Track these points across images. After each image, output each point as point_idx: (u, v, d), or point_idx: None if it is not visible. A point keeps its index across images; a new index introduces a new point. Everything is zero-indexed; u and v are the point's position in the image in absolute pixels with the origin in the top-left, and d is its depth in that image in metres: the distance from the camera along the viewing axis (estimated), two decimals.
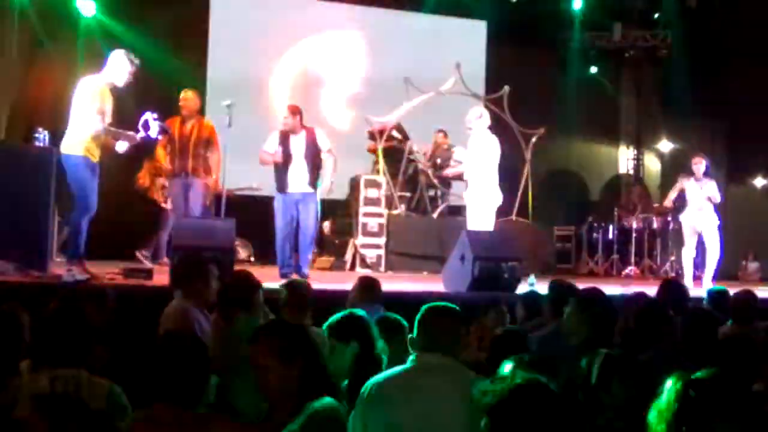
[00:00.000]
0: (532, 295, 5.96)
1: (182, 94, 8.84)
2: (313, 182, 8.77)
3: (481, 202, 8.90)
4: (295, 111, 8.83)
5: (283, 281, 5.77)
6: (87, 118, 7.05)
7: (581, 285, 5.17)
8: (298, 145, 8.76)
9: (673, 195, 10.44)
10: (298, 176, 8.74)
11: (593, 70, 15.61)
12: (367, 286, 5.58)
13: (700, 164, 10.07)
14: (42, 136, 7.61)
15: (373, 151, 12.11)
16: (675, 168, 13.84)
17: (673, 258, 12.60)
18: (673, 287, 6.02)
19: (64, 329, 3.31)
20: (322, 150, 8.82)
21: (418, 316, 3.55)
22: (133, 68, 7.27)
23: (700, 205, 10.00)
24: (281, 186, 8.79)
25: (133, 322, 5.03)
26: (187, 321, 4.64)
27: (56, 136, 7.40)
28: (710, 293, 6.36)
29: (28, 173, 7.38)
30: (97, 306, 4.79)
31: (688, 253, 10.21)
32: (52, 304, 3.75)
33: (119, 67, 7.22)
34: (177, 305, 4.79)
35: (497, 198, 8.99)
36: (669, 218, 12.62)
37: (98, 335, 3.89)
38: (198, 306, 4.78)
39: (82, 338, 3.34)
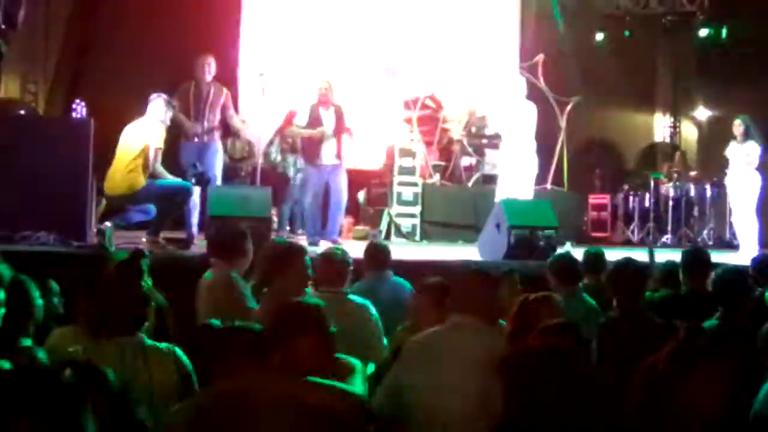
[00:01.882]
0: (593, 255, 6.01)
1: (203, 59, 8.74)
2: (341, 154, 9.11)
3: (516, 171, 8.94)
4: (330, 83, 9.15)
5: (316, 250, 5.83)
6: (152, 158, 7.33)
7: (618, 254, 5.18)
8: (328, 118, 9.06)
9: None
10: (328, 148, 9.04)
11: (629, 36, 15.39)
12: (374, 252, 5.60)
13: (738, 127, 9.94)
14: (79, 108, 7.71)
15: (408, 121, 12.11)
16: (713, 135, 13.67)
17: (711, 226, 12.48)
18: (695, 256, 5.61)
19: (122, 297, 3.36)
20: (348, 128, 9.17)
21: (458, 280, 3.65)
22: (172, 112, 7.68)
23: (739, 168, 9.87)
24: (312, 158, 9.07)
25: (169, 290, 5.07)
26: (233, 289, 4.70)
27: (94, 107, 7.51)
28: (755, 260, 6.29)
29: (66, 145, 7.52)
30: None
31: (737, 219, 10.06)
32: (108, 273, 3.80)
33: (163, 112, 7.53)
34: (220, 273, 4.84)
35: (533, 167, 9.04)
36: (706, 186, 12.47)
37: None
38: (239, 274, 4.85)
39: (141, 304, 3.38)
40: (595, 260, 5.86)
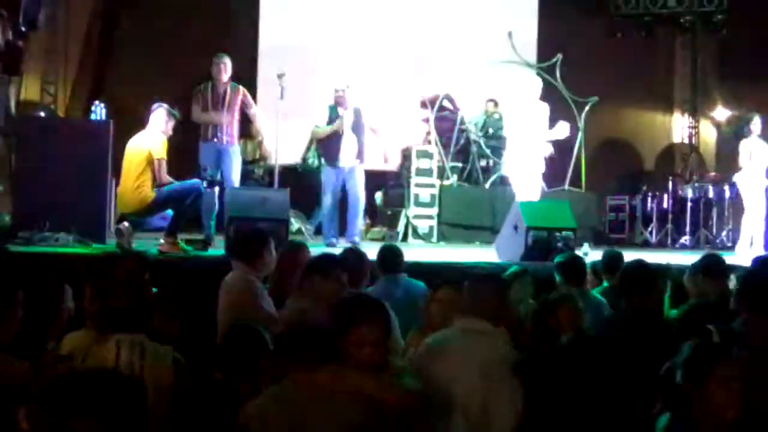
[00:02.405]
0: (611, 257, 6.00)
1: (219, 59, 8.57)
2: (361, 155, 9.09)
3: (524, 172, 9.02)
4: (348, 85, 9.16)
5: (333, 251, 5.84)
6: (158, 170, 7.34)
7: (635, 256, 5.16)
8: (347, 119, 9.06)
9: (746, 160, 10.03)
10: (347, 150, 9.03)
11: (647, 36, 15.33)
12: (386, 255, 5.59)
13: (757, 124, 9.88)
14: (98, 110, 7.76)
15: (425, 122, 12.11)
16: (732, 136, 13.58)
17: (729, 227, 12.42)
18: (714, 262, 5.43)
19: (127, 295, 3.37)
20: (365, 126, 9.18)
21: (466, 283, 3.67)
22: (174, 122, 7.60)
23: (755, 166, 9.79)
24: (332, 159, 9.08)
25: (188, 291, 5.08)
26: (249, 291, 4.72)
27: (113, 109, 7.55)
28: (756, 261, 6.25)
29: (86, 147, 7.58)
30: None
31: (752, 219, 9.96)
32: (117, 272, 3.82)
33: (164, 122, 7.49)
34: (238, 275, 4.86)
35: (539, 166, 9.13)
36: (725, 187, 12.42)
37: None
38: (258, 277, 4.86)
39: (144, 304, 3.40)
40: (612, 261, 5.87)
